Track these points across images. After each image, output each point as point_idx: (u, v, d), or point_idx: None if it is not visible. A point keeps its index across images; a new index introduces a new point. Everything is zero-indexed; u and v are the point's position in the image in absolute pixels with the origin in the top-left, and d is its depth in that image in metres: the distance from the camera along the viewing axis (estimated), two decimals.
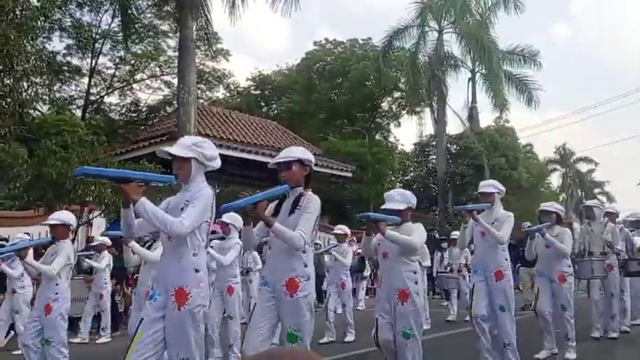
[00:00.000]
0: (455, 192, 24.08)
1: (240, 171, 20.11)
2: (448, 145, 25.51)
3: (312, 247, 3.65)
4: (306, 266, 3.47)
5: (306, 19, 60.50)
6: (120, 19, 18.64)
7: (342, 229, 8.79)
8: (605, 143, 78.98)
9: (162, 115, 23.37)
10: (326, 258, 9.25)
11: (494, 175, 23.33)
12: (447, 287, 10.93)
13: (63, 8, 19.91)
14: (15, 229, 10.37)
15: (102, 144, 12.48)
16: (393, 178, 30.97)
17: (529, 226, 7.03)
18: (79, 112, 21.92)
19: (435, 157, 26.55)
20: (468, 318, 6.19)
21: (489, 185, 5.64)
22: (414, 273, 4.32)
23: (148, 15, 22.88)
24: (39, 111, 18.13)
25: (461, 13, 24.32)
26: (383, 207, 4.54)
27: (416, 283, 4.31)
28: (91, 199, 11.07)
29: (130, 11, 17.46)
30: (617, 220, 9.45)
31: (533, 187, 26.46)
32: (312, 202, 3.54)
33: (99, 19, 22.11)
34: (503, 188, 5.64)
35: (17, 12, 11.40)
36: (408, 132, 76.93)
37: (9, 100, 11.11)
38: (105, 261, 9.06)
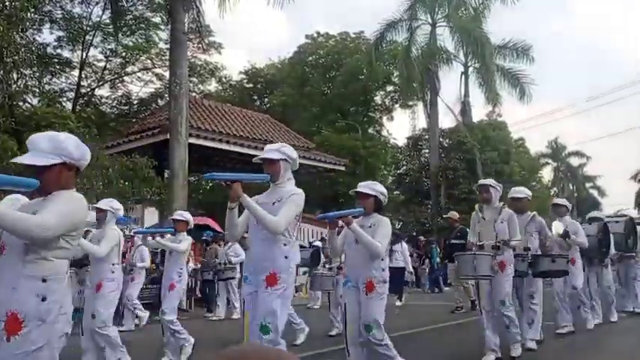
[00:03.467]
0: (447, 186, 24.13)
1: (232, 164, 20.06)
2: (441, 139, 25.56)
3: None
4: None
5: (300, 12, 60.41)
6: (111, 11, 18.49)
7: (181, 214, 6.38)
8: (597, 137, 79.41)
9: (154, 108, 23.22)
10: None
11: (487, 169, 23.48)
12: (320, 288, 8.04)
13: (53, 0, 19.73)
14: None
15: (93, 136, 12.42)
16: (386, 172, 31.00)
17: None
18: (69, 105, 21.77)
19: (427, 150, 26.60)
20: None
21: (273, 150, 3.77)
22: (43, 281, 2.42)
23: (139, 7, 22.69)
24: (29, 103, 17.99)
25: (454, 7, 24.31)
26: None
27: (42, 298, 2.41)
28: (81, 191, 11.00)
29: (120, 3, 17.33)
30: None
31: (525, 181, 26.57)
32: None
33: (89, 11, 21.91)
34: (294, 156, 3.80)
35: (7, 3, 11.30)
36: (400, 126, 77.02)
37: None
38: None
